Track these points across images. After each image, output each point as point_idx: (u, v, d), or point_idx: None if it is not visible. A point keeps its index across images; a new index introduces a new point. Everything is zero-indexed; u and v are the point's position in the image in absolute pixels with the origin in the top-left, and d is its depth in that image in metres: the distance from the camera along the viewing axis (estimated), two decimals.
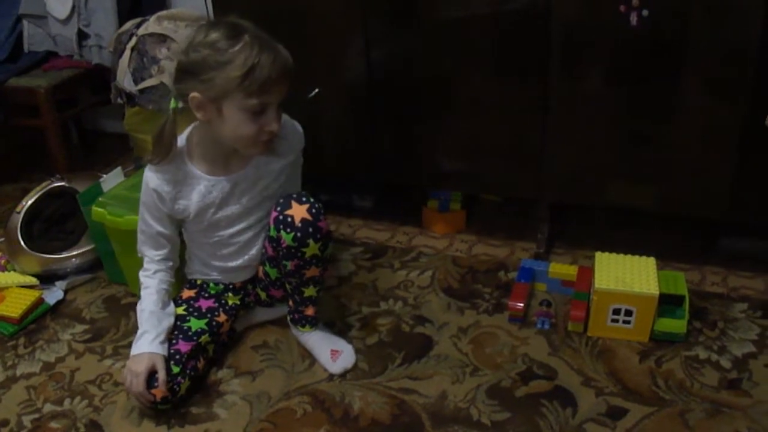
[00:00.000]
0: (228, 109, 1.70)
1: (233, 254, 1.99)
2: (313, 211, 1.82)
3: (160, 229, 1.92)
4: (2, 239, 2.55)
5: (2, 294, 2.29)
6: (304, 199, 1.83)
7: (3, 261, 2.50)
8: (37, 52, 3.08)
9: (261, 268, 2.02)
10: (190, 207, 1.88)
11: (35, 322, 2.25)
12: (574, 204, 2.45)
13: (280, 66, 1.68)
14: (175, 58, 1.75)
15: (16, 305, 2.23)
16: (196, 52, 1.68)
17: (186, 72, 1.71)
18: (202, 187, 1.87)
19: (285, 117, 1.88)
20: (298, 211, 1.81)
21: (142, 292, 1.94)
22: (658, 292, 1.95)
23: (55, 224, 2.52)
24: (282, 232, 1.81)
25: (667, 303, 2.01)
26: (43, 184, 2.51)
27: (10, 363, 2.09)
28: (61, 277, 2.43)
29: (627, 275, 2.00)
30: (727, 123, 2.03)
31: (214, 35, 1.67)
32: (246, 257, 2.00)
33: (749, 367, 1.91)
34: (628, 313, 1.98)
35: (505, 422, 1.78)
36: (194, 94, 1.71)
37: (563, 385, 1.88)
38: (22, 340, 2.18)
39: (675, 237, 2.45)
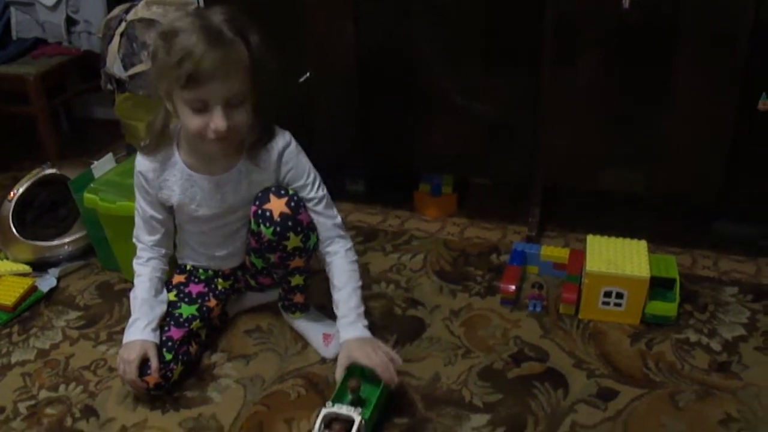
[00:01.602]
0: (176, 100, 1.67)
1: (218, 244, 1.99)
2: (292, 204, 1.80)
3: (152, 212, 1.91)
4: None
5: None
6: (282, 191, 1.82)
7: None
8: (25, 39, 3.06)
9: (247, 258, 2.01)
10: (172, 197, 1.87)
11: (29, 310, 2.25)
12: (566, 188, 2.46)
13: (210, 61, 1.57)
14: None
15: (9, 293, 2.23)
16: (157, 41, 1.65)
17: (151, 59, 1.71)
18: (185, 180, 1.85)
19: (283, 134, 1.85)
20: (277, 205, 1.79)
21: (135, 280, 1.94)
22: (649, 275, 1.96)
23: (47, 212, 2.51)
24: (262, 226, 1.80)
25: (658, 286, 2.02)
26: (34, 171, 2.50)
27: (4, 351, 2.09)
28: (54, 265, 2.42)
29: (618, 258, 2.01)
30: (721, 107, 2.04)
31: (178, 24, 1.62)
32: (231, 248, 1.99)
33: (739, 350, 1.92)
34: (620, 295, 2.00)
35: (497, 404, 1.79)
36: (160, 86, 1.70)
37: (555, 367, 1.89)
38: (15, 328, 2.18)
39: (667, 221, 2.46)
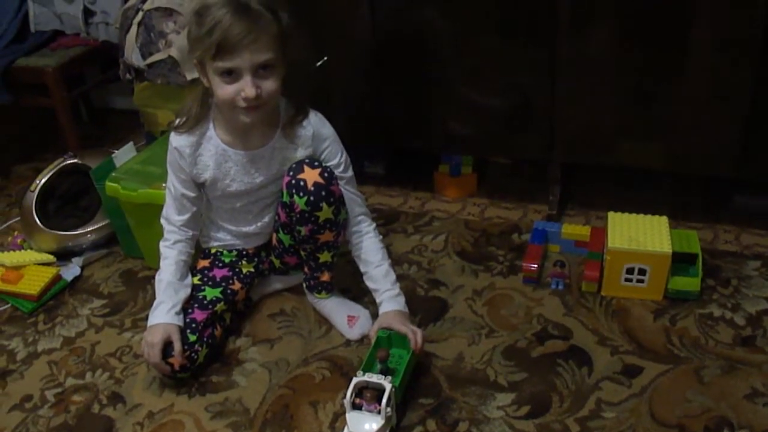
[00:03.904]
0: (209, 72, 1.72)
1: (247, 221, 2.01)
2: (326, 175, 1.83)
3: (184, 191, 1.93)
4: (18, 218, 2.57)
5: (20, 272, 2.31)
6: (316, 163, 1.85)
7: (20, 240, 2.51)
8: (43, 32, 3.07)
9: (275, 236, 2.03)
10: (206, 173, 1.90)
11: (54, 299, 2.27)
12: (585, 164, 2.45)
13: (238, 30, 1.63)
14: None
15: (34, 283, 2.26)
16: (191, 17, 1.71)
17: (186, 36, 1.76)
18: (219, 155, 1.88)
19: (316, 114, 1.91)
20: (311, 175, 1.82)
21: (161, 263, 1.95)
22: (671, 251, 1.95)
23: (70, 201, 2.53)
24: (295, 196, 1.82)
25: (681, 261, 2.01)
26: (56, 162, 2.52)
27: (30, 339, 2.11)
28: (78, 254, 2.44)
29: (640, 234, 2.01)
30: (738, 79, 2.02)
31: (210, 1, 1.67)
32: (259, 224, 2.02)
33: (763, 324, 1.92)
34: (642, 272, 1.99)
35: (521, 382, 1.79)
36: (194, 60, 1.75)
37: (578, 345, 1.89)
38: (41, 317, 2.20)
39: (687, 196, 2.45)
